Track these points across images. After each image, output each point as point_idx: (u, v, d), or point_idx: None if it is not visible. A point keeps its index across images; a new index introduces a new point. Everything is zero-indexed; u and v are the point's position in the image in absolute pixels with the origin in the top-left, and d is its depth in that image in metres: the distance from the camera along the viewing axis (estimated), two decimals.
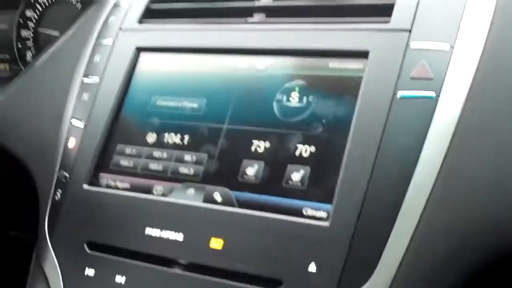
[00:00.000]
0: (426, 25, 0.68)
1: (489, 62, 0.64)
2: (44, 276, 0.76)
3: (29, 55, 1.11)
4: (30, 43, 1.11)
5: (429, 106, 0.64)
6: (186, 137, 0.75)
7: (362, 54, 0.69)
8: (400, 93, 0.65)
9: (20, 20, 1.11)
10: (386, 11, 0.71)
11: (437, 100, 0.64)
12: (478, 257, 0.61)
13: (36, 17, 1.10)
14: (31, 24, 1.11)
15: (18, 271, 0.88)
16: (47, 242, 0.77)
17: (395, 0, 0.71)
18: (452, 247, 0.61)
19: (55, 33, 1.08)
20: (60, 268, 0.75)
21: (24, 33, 1.11)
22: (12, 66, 1.13)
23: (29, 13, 1.10)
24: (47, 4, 1.09)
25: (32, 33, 1.11)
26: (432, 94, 0.64)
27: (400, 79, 0.66)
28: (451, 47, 0.66)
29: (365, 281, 0.60)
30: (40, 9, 1.10)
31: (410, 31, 0.68)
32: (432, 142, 0.62)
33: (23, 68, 1.09)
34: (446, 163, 0.62)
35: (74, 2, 1.07)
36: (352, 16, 0.73)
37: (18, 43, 1.12)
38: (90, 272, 0.73)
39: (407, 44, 0.67)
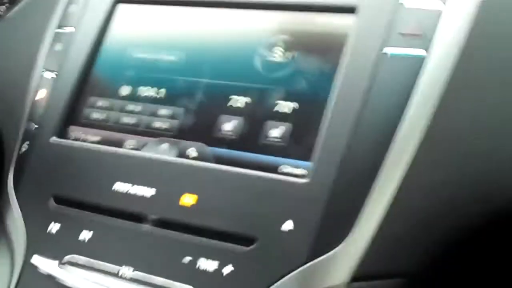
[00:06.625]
0: None
1: (483, 19, 0.62)
2: (7, 231, 0.72)
3: (2, 9, 1.06)
4: None
5: (417, 64, 0.61)
6: (162, 91, 0.71)
7: (350, 10, 0.66)
8: (387, 50, 0.63)
9: None
10: None
11: (426, 58, 0.61)
12: (463, 221, 0.59)
13: None
14: None
15: None
16: (12, 196, 0.73)
17: None
18: (434, 209, 0.58)
19: None
20: (24, 222, 0.71)
21: None
22: None
23: None
24: None
25: None
26: (421, 52, 0.61)
27: (388, 36, 0.63)
28: (443, 3, 0.63)
29: (342, 239, 0.58)
30: None
31: None
32: (418, 100, 0.60)
33: None
34: (432, 123, 0.60)
35: None
36: None
37: None
38: (55, 226, 0.69)
39: (397, 0, 0.65)
